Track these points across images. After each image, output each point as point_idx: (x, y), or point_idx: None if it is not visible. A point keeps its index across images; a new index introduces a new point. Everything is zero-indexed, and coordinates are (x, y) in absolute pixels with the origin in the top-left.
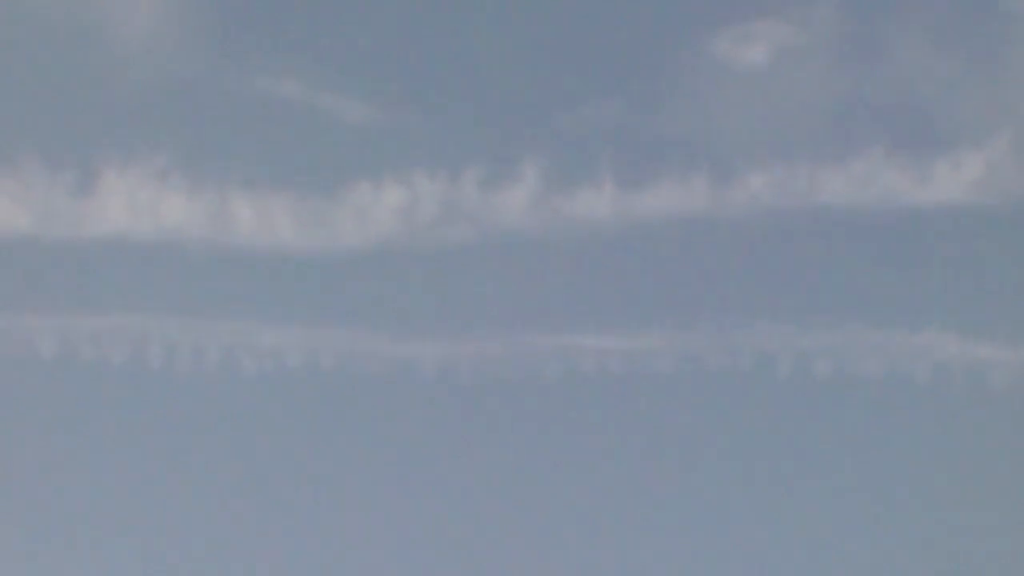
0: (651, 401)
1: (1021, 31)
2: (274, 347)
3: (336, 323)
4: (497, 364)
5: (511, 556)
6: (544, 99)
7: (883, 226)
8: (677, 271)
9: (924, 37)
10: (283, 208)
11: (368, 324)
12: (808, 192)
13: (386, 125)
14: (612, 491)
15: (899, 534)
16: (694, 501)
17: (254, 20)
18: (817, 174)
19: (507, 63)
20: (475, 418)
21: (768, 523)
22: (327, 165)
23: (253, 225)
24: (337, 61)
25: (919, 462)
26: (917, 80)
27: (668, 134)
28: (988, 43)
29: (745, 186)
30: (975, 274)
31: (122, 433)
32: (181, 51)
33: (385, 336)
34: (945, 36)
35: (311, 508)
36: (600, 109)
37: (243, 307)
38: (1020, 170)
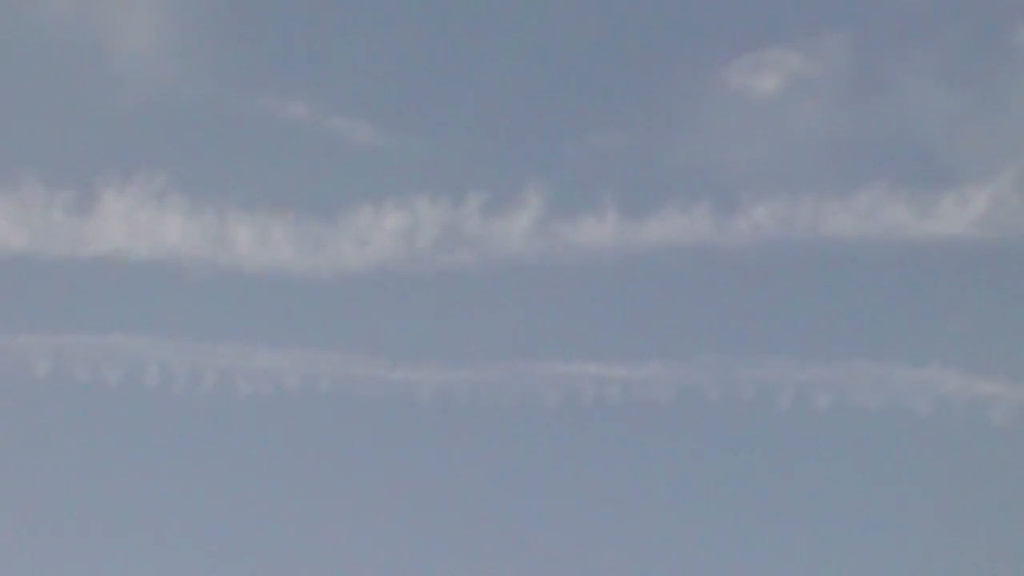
0: (650, 431)
1: None
2: (271, 369)
3: (334, 346)
4: (495, 390)
5: None
6: (549, 126)
7: (886, 260)
8: (678, 301)
9: (931, 73)
10: (283, 230)
11: (366, 348)
12: (811, 225)
13: (390, 148)
14: (609, 520)
15: (899, 567)
16: (692, 531)
17: (259, 41)
18: (821, 207)
19: (513, 89)
20: (472, 444)
21: (767, 555)
22: (329, 187)
23: (253, 247)
24: (342, 83)
25: (919, 496)
26: (922, 115)
27: (672, 163)
28: (994, 80)
29: (748, 217)
30: (977, 309)
31: (118, 452)
32: (185, 71)
33: (383, 360)
34: (951, 72)
35: (307, 530)
36: (604, 137)
37: (241, 329)
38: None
